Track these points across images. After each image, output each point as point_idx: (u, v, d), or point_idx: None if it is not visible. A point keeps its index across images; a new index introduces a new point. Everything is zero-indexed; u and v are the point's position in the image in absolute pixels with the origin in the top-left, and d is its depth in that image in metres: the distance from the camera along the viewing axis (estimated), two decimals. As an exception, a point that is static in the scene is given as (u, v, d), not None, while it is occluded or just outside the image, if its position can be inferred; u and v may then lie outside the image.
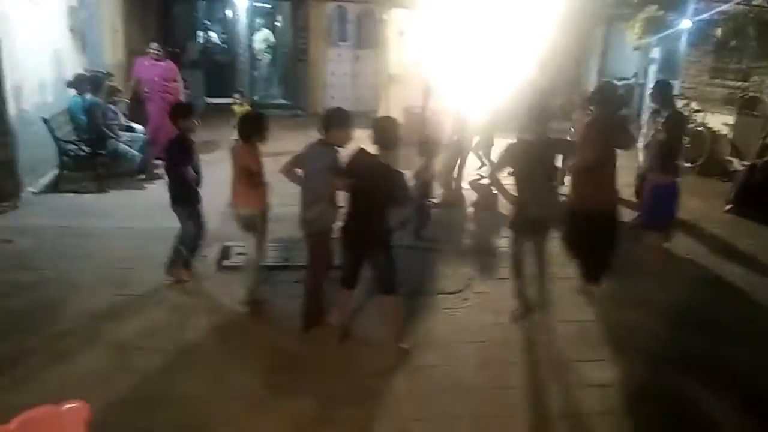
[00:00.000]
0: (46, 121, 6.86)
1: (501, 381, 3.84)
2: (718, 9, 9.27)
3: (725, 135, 9.70)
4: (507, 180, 4.51)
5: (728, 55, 9.98)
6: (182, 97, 8.90)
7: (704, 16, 9.70)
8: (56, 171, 7.21)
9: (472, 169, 8.08)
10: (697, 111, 9.97)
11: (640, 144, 6.83)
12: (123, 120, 7.88)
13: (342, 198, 4.05)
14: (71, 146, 7.16)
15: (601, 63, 12.85)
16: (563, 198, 5.10)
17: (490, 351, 4.16)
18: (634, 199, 6.74)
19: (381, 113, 7.72)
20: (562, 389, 3.83)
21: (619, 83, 12.62)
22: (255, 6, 14.59)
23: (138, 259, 5.24)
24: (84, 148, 7.21)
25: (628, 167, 6.54)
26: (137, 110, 8.79)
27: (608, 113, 5.03)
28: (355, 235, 3.92)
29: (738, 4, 9.09)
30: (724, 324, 4.69)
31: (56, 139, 6.98)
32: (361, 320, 4.40)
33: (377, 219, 3.82)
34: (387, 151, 3.89)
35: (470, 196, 7.66)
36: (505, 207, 5.52)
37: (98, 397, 3.13)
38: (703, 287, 5.40)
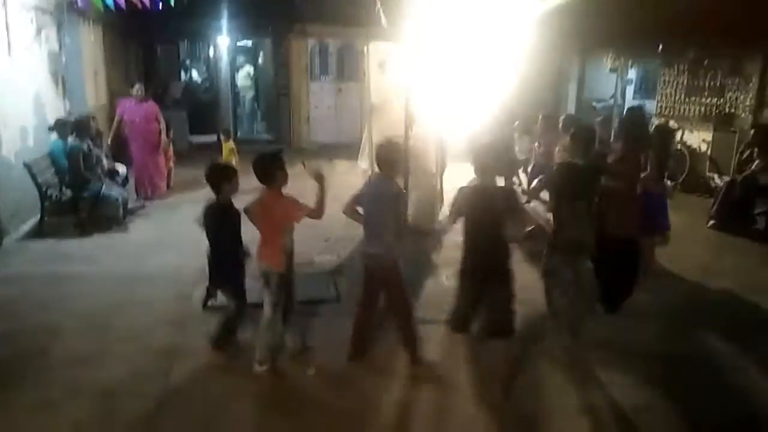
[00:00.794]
0: (27, 166, 6.84)
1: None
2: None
3: (704, 151, 9.85)
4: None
5: (703, 72, 10.18)
6: (164, 137, 8.98)
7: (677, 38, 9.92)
8: (38, 216, 7.15)
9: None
10: (676, 129, 10.13)
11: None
12: (106, 162, 7.87)
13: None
14: (53, 191, 7.12)
15: (578, 86, 13.05)
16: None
17: (479, 383, 4.11)
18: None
19: (365, 143, 7.78)
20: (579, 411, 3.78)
21: (598, 105, 12.90)
22: (237, 45, 14.78)
23: (121, 303, 5.17)
24: (66, 191, 7.17)
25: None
26: (119, 150, 8.83)
27: (639, 148, 5.12)
28: (474, 270, 3.97)
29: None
30: (707, 343, 4.69)
31: (38, 184, 6.94)
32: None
33: (496, 250, 3.85)
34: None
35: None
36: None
37: (81, 448, 3.04)
38: (687, 302, 5.41)
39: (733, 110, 9.64)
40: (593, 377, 4.09)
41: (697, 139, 10.03)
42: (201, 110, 13.82)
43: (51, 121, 7.69)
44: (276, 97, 14.06)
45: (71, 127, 7.41)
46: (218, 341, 4.37)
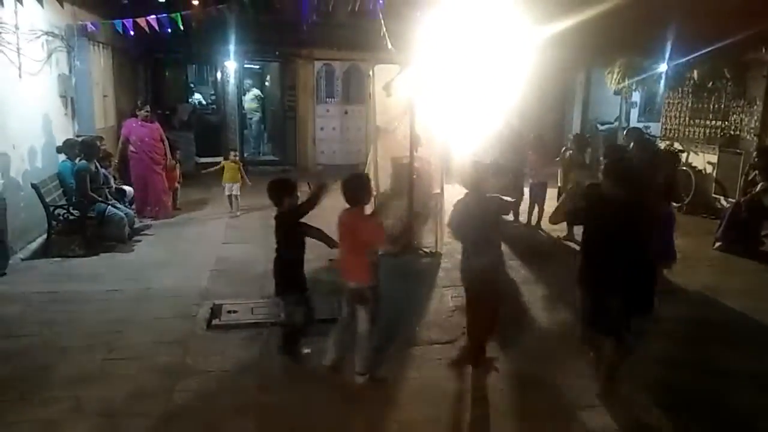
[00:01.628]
0: (35, 186, 6.90)
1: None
2: (695, 55, 9.56)
3: (710, 173, 9.85)
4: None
5: (707, 95, 10.23)
6: (168, 157, 9.09)
7: (680, 60, 10.01)
8: (45, 236, 7.19)
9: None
10: (681, 151, 10.16)
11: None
12: (113, 183, 7.94)
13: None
14: (60, 210, 7.17)
15: (583, 107, 13.13)
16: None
17: (485, 401, 4.08)
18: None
19: (369, 164, 7.82)
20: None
21: (602, 126, 12.96)
22: (244, 67, 14.96)
23: (126, 321, 5.17)
24: (73, 211, 7.22)
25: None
26: (125, 170, 8.91)
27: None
28: (593, 280, 4.00)
29: (713, 48, 9.39)
30: (715, 363, 4.64)
31: (45, 205, 7.00)
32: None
33: (618, 262, 3.86)
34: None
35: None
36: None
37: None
38: (694, 324, 5.36)
39: (738, 132, 9.66)
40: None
41: (703, 161, 10.03)
42: (208, 132, 13.93)
43: (59, 143, 7.79)
44: (283, 119, 14.20)
45: (79, 148, 7.49)
46: (288, 351, 4.50)
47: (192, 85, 17.16)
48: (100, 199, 7.34)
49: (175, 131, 12.36)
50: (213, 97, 16.89)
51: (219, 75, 14.67)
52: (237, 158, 9.77)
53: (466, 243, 4.34)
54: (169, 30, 8.32)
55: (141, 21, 8.18)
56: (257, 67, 16.58)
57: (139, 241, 7.75)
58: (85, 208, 7.20)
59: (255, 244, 7.59)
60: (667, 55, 9.90)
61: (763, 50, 8.84)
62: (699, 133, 10.37)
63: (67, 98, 8.50)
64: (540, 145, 8.83)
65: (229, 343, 4.80)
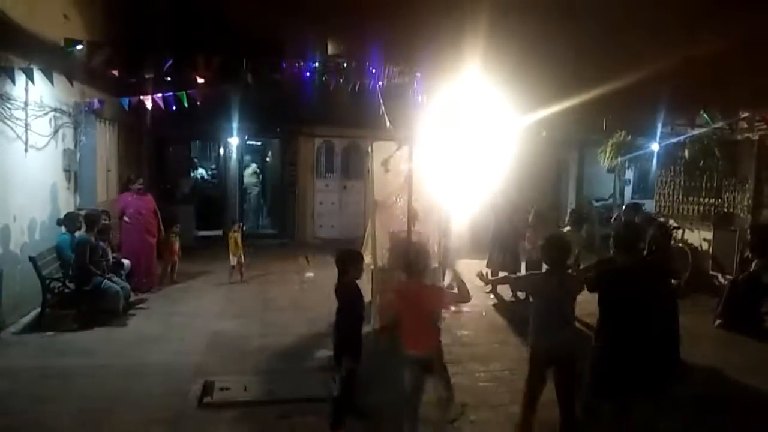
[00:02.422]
0: (33, 259, 6.90)
1: None
2: (685, 136, 9.86)
3: (706, 250, 9.90)
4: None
5: (698, 174, 10.44)
6: (162, 229, 9.19)
7: (671, 141, 10.31)
8: (39, 309, 7.12)
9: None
10: (676, 228, 10.25)
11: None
12: (111, 256, 7.95)
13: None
14: (56, 283, 7.14)
15: (578, 184, 13.36)
16: None
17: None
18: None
19: (367, 238, 7.89)
20: None
21: (597, 203, 13.14)
22: (246, 143, 15.33)
23: (117, 398, 5.04)
24: (69, 284, 7.20)
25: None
26: (120, 243, 8.97)
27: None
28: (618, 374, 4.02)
29: (700, 126, 9.69)
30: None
31: (41, 277, 6.97)
32: None
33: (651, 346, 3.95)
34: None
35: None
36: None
37: None
38: (699, 404, 5.24)
39: (731, 210, 9.79)
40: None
41: (698, 238, 10.10)
42: (208, 205, 14.11)
43: (60, 215, 7.86)
44: (282, 193, 14.40)
45: (81, 219, 7.55)
46: (337, 423, 4.45)
47: (195, 160, 17.52)
48: (97, 272, 7.32)
49: (176, 205, 12.51)
50: (215, 171, 17.21)
51: (221, 150, 15.00)
52: (239, 229, 10.02)
53: (541, 318, 4.28)
54: (175, 108, 8.58)
55: (147, 99, 8.45)
56: (259, 143, 16.97)
57: (134, 314, 7.67)
58: (82, 280, 7.18)
59: (251, 319, 7.53)
60: (657, 134, 10.21)
61: (752, 129, 9.13)
62: (693, 210, 10.50)
63: (71, 172, 8.65)
64: (539, 220, 8.91)
65: (220, 423, 4.67)
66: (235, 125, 12.93)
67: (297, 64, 8.73)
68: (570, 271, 4.55)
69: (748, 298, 7.51)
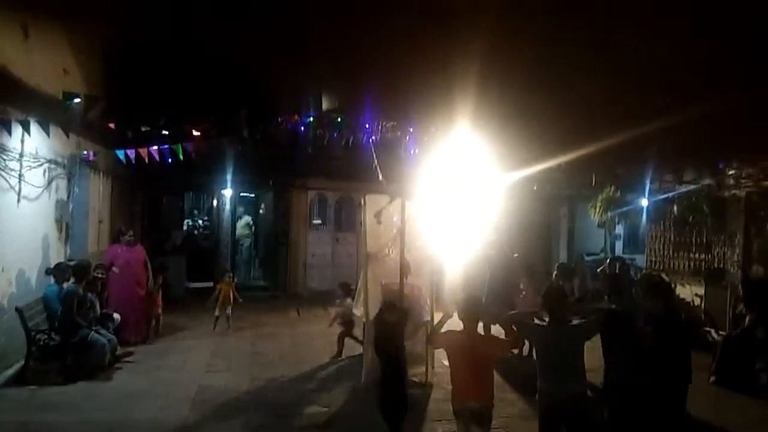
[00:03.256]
0: (19, 310, 6.79)
1: None
2: (673, 192, 10.03)
3: (698, 305, 9.89)
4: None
5: (688, 229, 10.54)
6: (151, 281, 9.12)
7: (660, 197, 10.46)
8: (22, 362, 6.95)
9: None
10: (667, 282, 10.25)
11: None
12: (98, 308, 7.84)
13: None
14: (42, 335, 7.01)
15: (569, 239, 13.44)
16: None
17: None
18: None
19: (360, 290, 7.87)
20: None
21: (588, 258, 13.19)
22: (240, 195, 15.40)
23: (98, 456, 4.89)
24: (54, 337, 7.06)
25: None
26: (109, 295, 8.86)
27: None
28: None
29: (688, 183, 9.86)
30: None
31: (27, 329, 6.84)
32: None
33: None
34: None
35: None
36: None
37: None
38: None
39: (722, 265, 9.84)
40: None
41: (690, 293, 10.11)
42: (200, 257, 14.03)
43: (49, 265, 7.79)
44: (275, 245, 14.37)
45: (71, 270, 7.47)
46: None
47: (196, 212, 17.53)
48: (84, 324, 7.20)
49: (167, 256, 12.44)
50: (207, 223, 17.20)
51: (215, 202, 15.05)
52: (231, 279, 10.11)
53: (547, 368, 4.28)
54: (170, 160, 8.65)
55: (143, 152, 8.53)
56: (252, 195, 17.06)
57: (120, 368, 7.51)
58: (68, 332, 7.05)
59: (239, 372, 7.38)
60: (646, 190, 10.37)
61: (740, 186, 9.29)
62: (683, 265, 10.55)
63: (63, 223, 8.63)
64: (530, 274, 8.92)
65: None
66: (229, 177, 13.03)
67: (292, 119, 8.90)
68: (574, 321, 4.58)
69: (743, 354, 7.47)
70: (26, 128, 6.68)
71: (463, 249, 8.17)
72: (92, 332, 7.25)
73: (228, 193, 14.02)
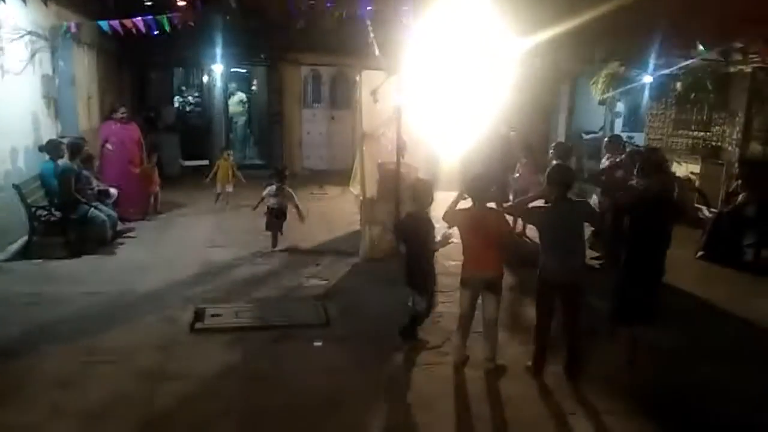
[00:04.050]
0: (17, 187, 6.79)
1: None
2: (678, 66, 9.70)
3: (692, 182, 9.96)
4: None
5: (690, 107, 10.37)
6: (146, 159, 9.08)
7: (664, 71, 10.14)
8: (26, 237, 7.08)
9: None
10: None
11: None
12: (96, 184, 7.83)
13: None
14: (42, 212, 7.06)
15: (568, 118, 13.23)
16: None
17: (475, 408, 4.07)
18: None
19: (356, 170, 7.83)
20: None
21: (586, 136, 13.07)
22: (231, 71, 14.89)
23: (105, 325, 5.08)
24: (55, 213, 7.12)
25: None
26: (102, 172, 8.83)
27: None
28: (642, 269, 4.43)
29: (695, 59, 9.53)
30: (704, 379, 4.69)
31: (27, 205, 6.89)
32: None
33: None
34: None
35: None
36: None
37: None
38: (680, 334, 5.40)
39: (720, 143, 9.79)
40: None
41: (685, 170, 10.15)
42: (193, 135, 13.83)
43: (42, 143, 7.68)
44: (269, 123, 14.14)
45: (65, 148, 7.38)
46: (406, 334, 4.86)
47: (185, 89, 17.04)
48: (83, 200, 7.23)
49: (159, 133, 12.27)
50: (199, 100, 16.79)
51: (205, 78, 14.59)
52: (230, 157, 10.13)
53: (552, 246, 4.37)
54: (156, 32, 8.25)
55: (127, 22, 8.11)
56: (244, 70, 16.51)
57: (122, 243, 7.66)
58: (68, 209, 7.10)
59: (240, 248, 7.53)
60: (650, 66, 10.04)
61: (746, 62, 9.00)
62: (682, 143, 10.49)
63: (50, 99, 8.39)
64: (528, 153, 8.87)
65: (212, 347, 4.75)
66: (218, 51, 12.51)
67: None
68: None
69: (732, 230, 7.63)
70: (0, -6, 6.28)
71: (464, 127, 8.03)
72: (92, 208, 7.30)
73: (219, 68, 13.52)
